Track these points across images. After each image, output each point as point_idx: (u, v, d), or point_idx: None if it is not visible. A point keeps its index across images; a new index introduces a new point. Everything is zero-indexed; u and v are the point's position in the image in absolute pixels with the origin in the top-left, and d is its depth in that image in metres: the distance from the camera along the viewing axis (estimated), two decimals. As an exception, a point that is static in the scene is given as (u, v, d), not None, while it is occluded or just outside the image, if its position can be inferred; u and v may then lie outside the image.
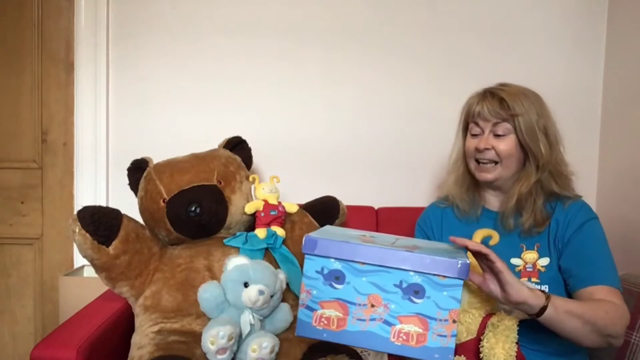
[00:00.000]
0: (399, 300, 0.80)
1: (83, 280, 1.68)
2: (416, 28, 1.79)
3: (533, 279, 1.11)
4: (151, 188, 1.37)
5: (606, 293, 1.03)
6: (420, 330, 0.79)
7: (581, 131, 1.79)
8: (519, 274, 1.12)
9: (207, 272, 1.30)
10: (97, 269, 1.26)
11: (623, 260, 1.35)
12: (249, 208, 1.39)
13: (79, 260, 1.82)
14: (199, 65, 1.80)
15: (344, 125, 1.81)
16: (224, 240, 1.35)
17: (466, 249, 0.92)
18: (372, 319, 0.80)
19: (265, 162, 1.75)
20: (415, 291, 0.79)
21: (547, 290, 1.09)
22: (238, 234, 1.37)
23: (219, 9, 1.79)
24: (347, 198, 1.59)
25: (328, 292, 0.81)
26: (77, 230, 1.20)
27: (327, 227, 0.96)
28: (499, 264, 0.91)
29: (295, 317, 1.23)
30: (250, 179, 1.46)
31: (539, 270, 1.12)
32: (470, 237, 1.07)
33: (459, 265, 0.78)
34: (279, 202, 1.44)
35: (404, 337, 0.79)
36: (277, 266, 1.32)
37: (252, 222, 1.42)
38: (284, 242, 1.40)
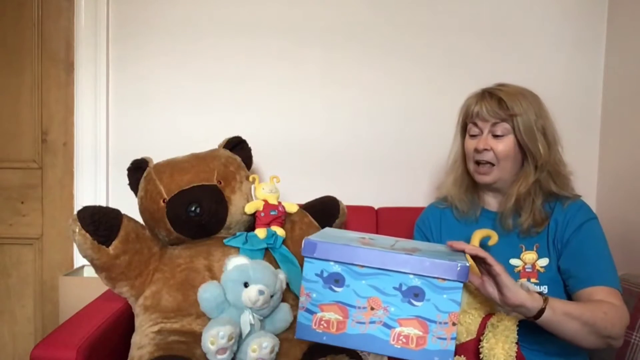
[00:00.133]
0: (398, 303, 0.80)
1: (83, 280, 1.68)
2: (416, 28, 1.79)
3: (532, 280, 1.11)
4: (151, 188, 1.37)
5: (605, 294, 1.03)
6: (420, 333, 0.79)
7: (581, 131, 1.79)
8: (518, 275, 1.12)
9: (207, 272, 1.30)
10: (97, 269, 1.26)
11: (623, 261, 1.35)
12: (249, 208, 1.39)
13: (79, 260, 1.82)
14: (199, 65, 1.80)
15: (344, 125, 1.81)
16: (224, 240, 1.35)
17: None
18: (372, 322, 0.80)
19: (265, 162, 1.75)
20: (415, 294, 0.79)
21: (546, 290, 1.09)
22: (238, 234, 1.37)
23: (219, 9, 1.79)
24: (347, 198, 1.59)
25: (328, 295, 0.81)
26: (77, 230, 1.20)
27: (327, 230, 0.96)
28: (497, 267, 0.91)
29: (295, 317, 1.23)
30: (250, 179, 1.46)
31: (538, 270, 1.12)
32: (469, 238, 1.08)
33: (459, 268, 0.78)
34: (279, 202, 1.44)
35: (404, 340, 0.79)
36: (277, 266, 1.32)
37: (252, 222, 1.42)
38: (284, 242, 1.40)
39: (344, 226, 1.59)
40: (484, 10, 1.79)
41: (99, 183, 1.81)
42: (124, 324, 1.33)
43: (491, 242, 1.08)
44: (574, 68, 1.79)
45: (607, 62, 1.78)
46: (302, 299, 0.82)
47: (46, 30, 1.85)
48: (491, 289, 0.94)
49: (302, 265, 0.83)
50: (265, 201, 1.41)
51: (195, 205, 1.29)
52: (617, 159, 1.71)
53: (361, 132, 1.81)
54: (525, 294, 0.93)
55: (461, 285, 0.79)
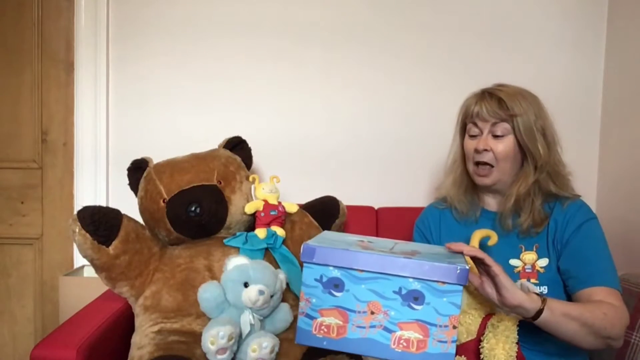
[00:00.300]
0: (398, 307, 0.80)
1: (83, 280, 1.68)
2: (416, 28, 1.79)
3: (532, 280, 1.11)
4: (151, 188, 1.37)
5: (605, 294, 1.03)
6: (421, 337, 0.79)
7: (581, 131, 1.79)
8: (518, 275, 1.12)
9: (207, 272, 1.30)
10: (97, 269, 1.26)
11: (623, 260, 1.35)
12: (249, 208, 1.39)
13: (79, 260, 1.82)
14: (199, 65, 1.80)
15: (344, 125, 1.81)
16: (224, 240, 1.35)
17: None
18: (372, 326, 0.80)
19: (265, 162, 1.75)
20: (415, 297, 0.79)
21: (546, 291, 1.09)
22: (238, 234, 1.37)
23: (218, 9, 1.79)
24: (347, 198, 1.59)
25: (327, 300, 0.81)
26: (77, 230, 1.20)
27: (325, 233, 0.96)
28: (495, 268, 0.91)
29: (295, 317, 1.23)
30: (250, 179, 1.46)
31: (537, 271, 1.12)
32: (468, 239, 1.08)
33: (458, 271, 0.78)
34: (279, 202, 1.44)
35: (404, 344, 0.79)
36: (277, 266, 1.32)
37: (252, 222, 1.42)
38: (284, 242, 1.40)
39: (344, 226, 1.59)
40: (484, 10, 1.79)
41: (99, 183, 1.81)
42: (124, 324, 1.33)
43: (491, 243, 1.08)
44: (574, 68, 1.79)
45: (607, 62, 1.78)
46: (301, 304, 0.82)
47: (46, 30, 1.85)
48: (490, 290, 0.95)
49: (302, 266, 0.83)
50: (265, 201, 1.41)
51: (195, 205, 1.29)
52: (617, 159, 1.71)
53: (361, 132, 1.81)
54: (524, 294, 0.93)
55: (461, 288, 0.79)
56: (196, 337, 1.17)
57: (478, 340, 1.01)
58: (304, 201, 1.55)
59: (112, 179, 1.82)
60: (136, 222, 1.33)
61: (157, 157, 1.47)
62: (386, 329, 0.80)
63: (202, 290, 1.20)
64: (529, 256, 1.13)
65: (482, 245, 1.08)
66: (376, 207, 1.71)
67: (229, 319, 1.15)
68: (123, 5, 1.80)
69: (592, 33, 1.79)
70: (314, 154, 1.81)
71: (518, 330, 1.00)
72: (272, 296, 1.19)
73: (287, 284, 1.29)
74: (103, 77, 1.79)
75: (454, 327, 0.79)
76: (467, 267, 0.78)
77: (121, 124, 1.82)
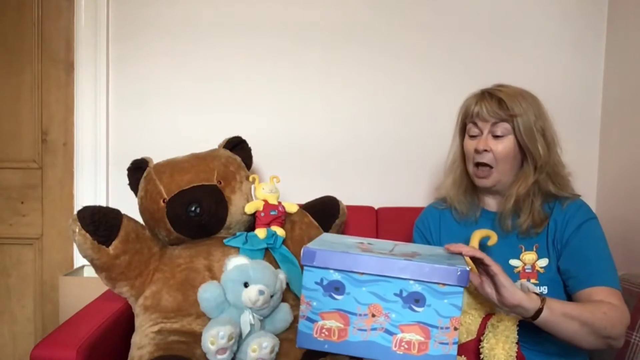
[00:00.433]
0: (399, 309, 0.80)
1: (83, 280, 1.68)
2: (416, 28, 1.79)
3: (532, 280, 1.11)
4: (151, 188, 1.37)
5: (606, 294, 1.03)
6: (422, 339, 0.79)
7: (581, 131, 1.79)
8: (517, 275, 1.12)
9: (207, 272, 1.30)
10: (97, 269, 1.26)
11: (623, 260, 1.35)
12: (249, 208, 1.39)
13: (79, 260, 1.82)
14: (199, 65, 1.80)
15: (344, 125, 1.81)
16: (224, 240, 1.35)
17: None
18: (374, 329, 0.80)
19: (265, 162, 1.75)
20: (416, 300, 0.79)
21: (546, 291, 1.09)
22: (238, 234, 1.37)
23: (218, 9, 1.79)
24: (347, 198, 1.59)
25: (328, 303, 0.81)
26: (77, 230, 1.20)
27: (324, 235, 0.96)
28: (494, 267, 0.91)
29: (295, 317, 1.23)
30: (250, 179, 1.46)
31: (537, 271, 1.12)
32: (468, 239, 1.08)
33: (459, 273, 0.78)
34: (279, 202, 1.44)
35: (406, 346, 0.79)
36: (277, 266, 1.32)
37: (252, 222, 1.42)
38: (284, 242, 1.40)
39: (344, 226, 1.59)
40: (484, 10, 1.79)
41: (99, 183, 1.81)
42: (124, 324, 1.33)
43: (490, 242, 1.08)
44: (574, 68, 1.79)
45: (607, 62, 1.78)
46: (302, 307, 0.82)
47: (46, 30, 1.85)
48: (489, 289, 0.95)
49: (302, 267, 0.83)
50: (265, 201, 1.41)
51: (195, 205, 1.29)
52: (617, 159, 1.71)
53: (361, 132, 1.81)
54: (523, 294, 0.93)
55: (462, 289, 0.79)
56: (196, 337, 1.17)
57: (478, 340, 1.01)
58: (304, 201, 1.55)
59: (112, 179, 1.82)
60: (136, 222, 1.33)
61: (157, 157, 1.47)
62: (387, 332, 0.80)
63: (202, 290, 1.20)
64: (529, 256, 1.13)
65: (482, 245, 1.08)
66: (376, 207, 1.71)
67: (229, 319, 1.15)
68: (123, 5, 1.80)
69: (592, 33, 1.79)
70: (314, 154, 1.81)
71: (518, 330, 1.00)
72: (272, 296, 1.19)
73: (287, 284, 1.29)
74: (103, 77, 1.79)
75: (455, 329, 0.79)
76: (468, 269, 0.78)
77: (121, 124, 1.82)
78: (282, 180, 1.50)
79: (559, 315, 0.95)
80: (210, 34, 1.79)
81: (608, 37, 1.77)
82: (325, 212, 1.51)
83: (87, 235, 1.20)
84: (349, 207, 1.58)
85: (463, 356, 1.01)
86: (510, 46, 1.79)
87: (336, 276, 0.81)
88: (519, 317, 0.99)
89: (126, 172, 1.47)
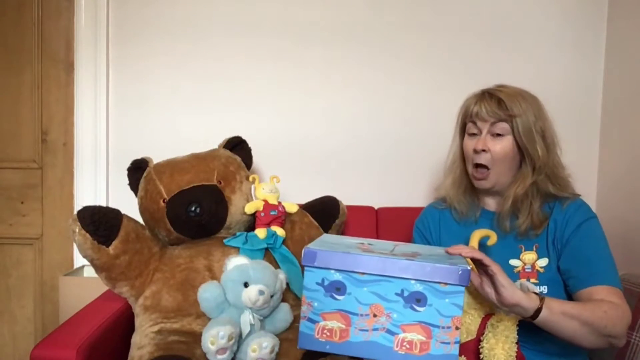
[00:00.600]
0: (401, 309, 0.80)
1: (83, 280, 1.68)
2: (416, 28, 1.79)
3: (532, 280, 1.11)
4: (151, 188, 1.37)
5: (607, 293, 1.02)
6: (424, 339, 0.79)
7: (581, 131, 1.79)
8: (517, 275, 1.12)
9: (207, 272, 1.30)
10: (97, 269, 1.26)
11: (623, 260, 1.35)
12: (249, 208, 1.39)
13: (79, 260, 1.82)
14: (199, 65, 1.80)
15: (344, 125, 1.81)
16: (224, 240, 1.35)
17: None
18: (375, 329, 0.80)
19: (265, 162, 1.75)
20: (417, 299, 0.79)
21: (546, 291, 1.09)
22: (238, 234, 1.37)
23: (219, 9, 1.79)
24: (347, 198, 1.59)
25: (329, 304, 0.81)
26: (77, 230, 1.20)
27: (325, 236, 0.96)
28: (493, 267, 0.91)
29: (295, 317, 1.23)
30: (250, 179, 1.46)
31: (537, 271, 1.12)
32: (468, 240, 1.08)
33: (460, 272, 0.78)
34: (279, 202, 1.44)
35: (407, 346, 0.79)
36: (277, 266, 1.32)
37: (252, 222, 1.42)
38: (284, 242, 1.40)
39: (344, 226, 1.59)
40: (484, 10, 1.79)
41: (99, 183, 1.81)
42: (124, 324, 1.33)
43: (490, 242, 1.08)
44: (574, 68, 1.79)
45: (607, 62, 1.78)
46: (303, 308, 0.82)
47: (46, 30, 1.85)
48: (489, 289, 0.95)
49: (302, 267, 0.83)
50: (265, 201, 1.41)
51: (195, 205, 1.29)
52: (617, 159, 1.71)
53: (361, 132, 1.81)
54: (522, 293, 0.93)
55: (463, 289, 0.79)
56: (196, 337, 1.17)
57: (478, 340, 1.01)
58: (304, 201, 1.55)
59: (112, 179, 1.82)
60: (136, 222, 1.33)
61: (157, 157, 1.47)
62: (389, 332, 0.80)
63: (202, 290, 1.20)
64: (529, 256, 1.13)
65: (482, 245, 1.08)
66: (376, 207, 1.71)
67: (229, 319, 1.15)
68: (123, 5, 1.80)
69: (592, 33, 1.79)
70: (314, 154, 1.81)
71: (518, 330, 1.00)
72: (272, 296, 1.19)
73: (287, 284, 1.29)
74: (103, 77, 1.79)
75: (457, 328, 0.79)
76: (469, 268, 0.78)
77: (121, 124, 1.82)
78: (282, 180, 1.50)
79: (558, 314, 0.95)
80: (210, 34, 1.79)
81: (608, 37, 1.77)
82: (325, 212, 1.51)
83: (87, 235, 1.20)
84: (349, 207, 1.58)
85: (463, 356, 1.01)
86: (510, 46, 1.79)
87: (337, 276, 0.81)
88: (519, 317, 0.99)
89: (126, 172, 1.47)
